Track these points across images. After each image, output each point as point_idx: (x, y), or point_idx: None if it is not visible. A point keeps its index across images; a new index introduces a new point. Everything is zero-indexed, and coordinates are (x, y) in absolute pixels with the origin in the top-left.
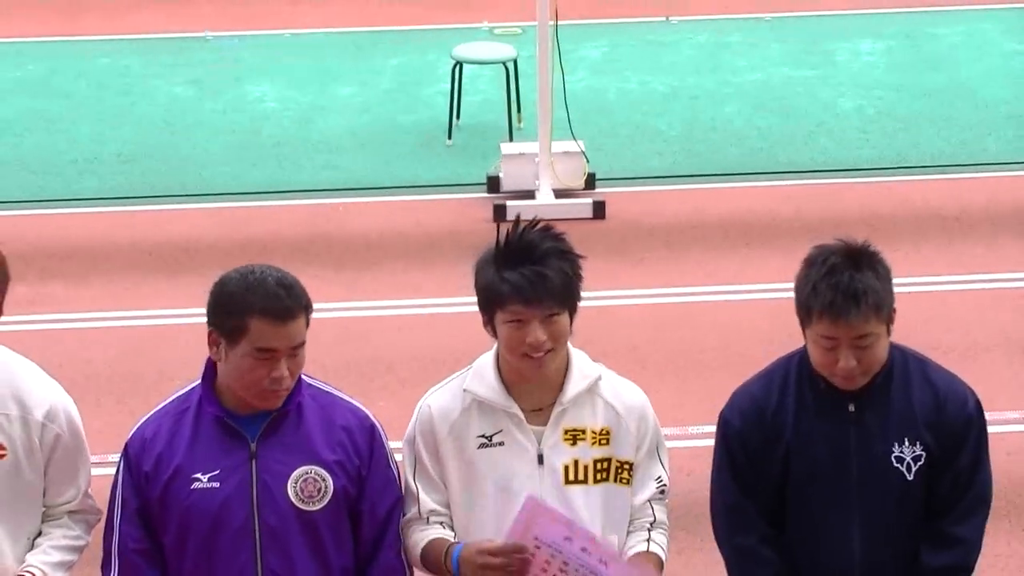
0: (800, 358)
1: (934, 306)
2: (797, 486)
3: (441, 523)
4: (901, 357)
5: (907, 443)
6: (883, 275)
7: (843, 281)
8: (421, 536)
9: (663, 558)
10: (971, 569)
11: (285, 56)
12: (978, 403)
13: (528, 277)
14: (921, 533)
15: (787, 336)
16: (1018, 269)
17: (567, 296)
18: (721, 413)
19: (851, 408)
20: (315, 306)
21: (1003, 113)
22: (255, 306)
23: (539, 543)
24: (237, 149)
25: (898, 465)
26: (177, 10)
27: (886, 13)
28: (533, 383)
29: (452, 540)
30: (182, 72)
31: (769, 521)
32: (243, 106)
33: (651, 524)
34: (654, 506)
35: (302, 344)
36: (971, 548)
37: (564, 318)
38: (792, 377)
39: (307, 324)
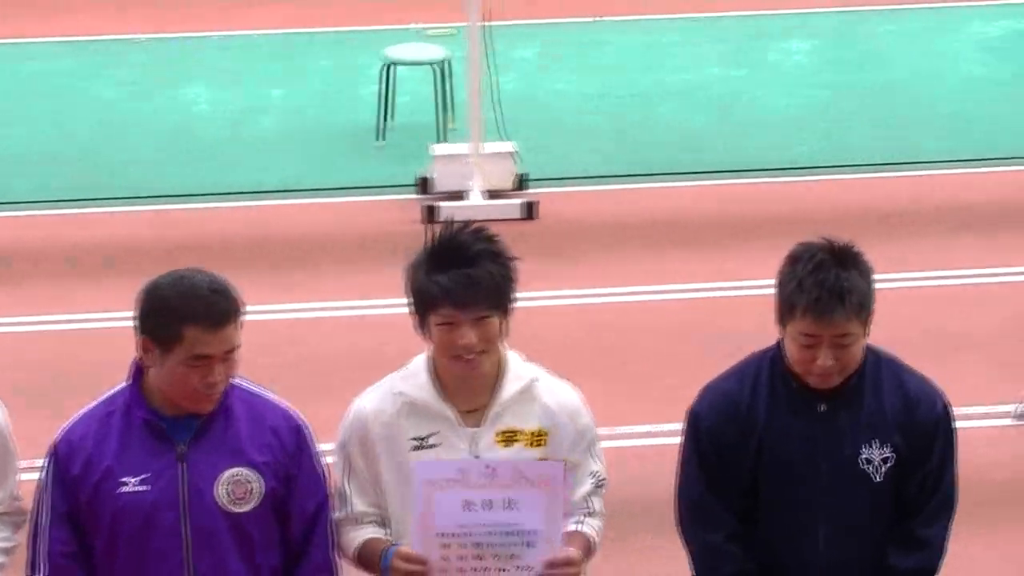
0: (773, 355)
1: None
2: (765, 485)
3: (374, 522)
4: (874, 358)
5: (876, 445)
6: (867, 275)
7: (829, 279)
8: (355, 536)
9: (594, 540)
10: (936, 570)
11: (217, 58)
12: (947, 406)
13: (459, 280)
14: (888, 535)
15: (721, 334)
16: (945, 266)
17: (499, 299)
18: (691, 408)
19: (822, 408)
20: (249, 308)
21: (935, 111)
22: (189, 314)
23: (445, 539)
24: (170, 151)
25: (866, 467)
26: (110, 13)
27: (817, 12)
28: (466, 385)
29: (387, 539)
30: (115, 75)
31: (738, 518)
32: (176, 108)
33: (586, 513)
34: (591, 499)
35: (235, 348)
36: (937, 550)
37: (496, 320)
38: (764, 374)
39: (240, 328)
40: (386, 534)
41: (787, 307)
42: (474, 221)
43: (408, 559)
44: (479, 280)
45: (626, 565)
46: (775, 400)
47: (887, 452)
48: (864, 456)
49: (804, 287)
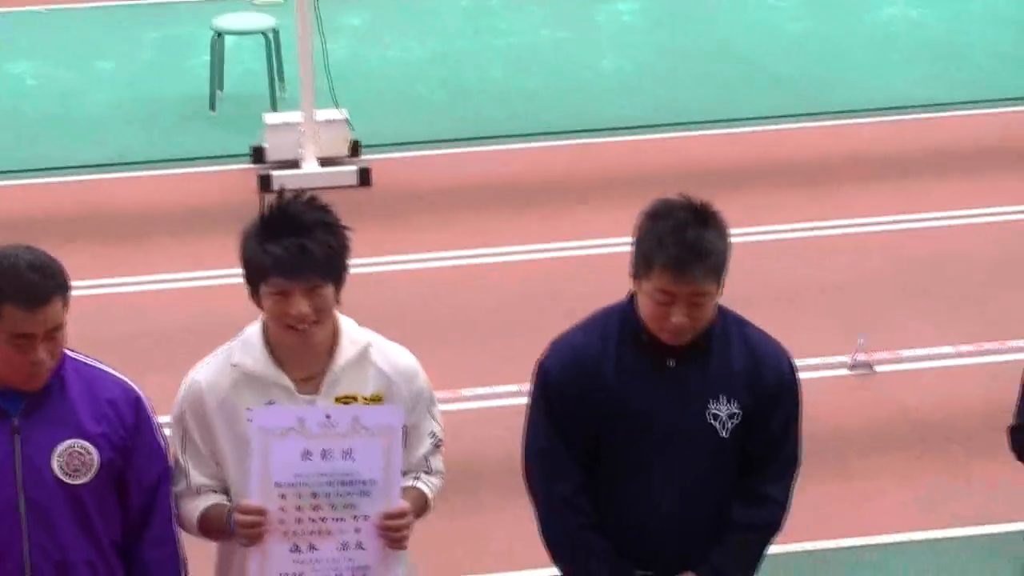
0: (622, 311)
1: None
2: (612, 438)
3: (213, 491)
4: (722, 317)
5: (724, 401)
6: (725, 236)
7: (690, 238)
8: (195, 505)
9: (428, 494)
10: (779, 527)
11: (43, 33)
12: (792, 365)
13: (291, 250)
14: (733, 491)
15: (557, 294)
16: (775, 221)
17: (331, 268)
18: (540, 362)
19: (671, 363)
20: (83, 283)
21: (762, 69)
22: (8, 293)
23: (282, 489)
24: None
25: (713, 422)
26: None
27: None
28: (301, 353)
29: (228, 504)
30: None
31: (584, 474)
32: (2, 84)
33: (424, 471)
34: (429, 459)
35: (60, 327)
36: (780, 507)
37: (328, 290)
38: (614, 328)
39: (65, 305)
40: (226, 502)
41: (644, 263)
42: (307, 190)
43: (247, 511)
44: (312, 250)
45: (473, 526)
46: (623, 355)
47: (734, 408)
48: (711, 411)
49: (664, 245)
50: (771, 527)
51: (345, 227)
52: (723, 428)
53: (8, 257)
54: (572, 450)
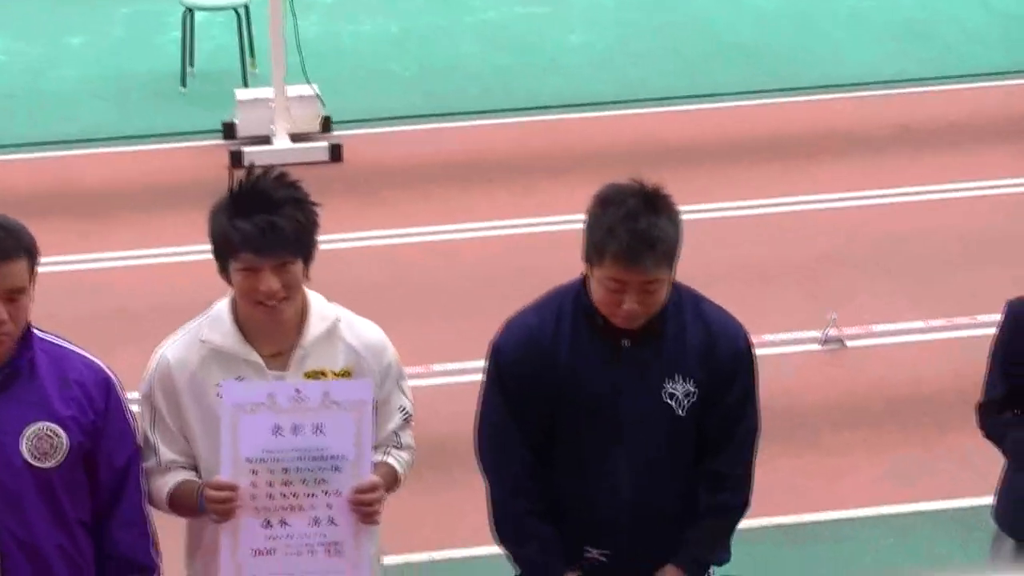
0: (576, 292)
1: None
2: (568, 420)
3: (183, 467)
4: (675, 293)
5: (679, 379)
6: (676, 221)
7: (640, 228)
8: (164, 481)
9: (398, 469)
10: (747, 505)
11: (12, 8)
12: (748, 339)
13: (260, 226)
14: (695, 474)
15: (529, 269)
16: (745, 197)
17: (301, 244)
18: (494, 342)
19: (625, 343)
20: (53, 259)
21: (731, 44)
22: None
23: (253, 464)
24: None
25: (669, 401)
26: None
27: None
28: (270, 329)
29: (198, 481)
30: None
31: (536, 457)
32: None
33: (395, 446)
34: (399, 433)
35: (22, 289)
36: (745, 486)
37: (298, 266)
38: (568, 309)
39: (31, 272)
40: (195, 478)
41: (596, 251)
42: (276, 167)
43: (218, 487)
44: (281, 226)
45: (445, 502)
46: (578, 336)
47: (690, 387)
48: (668, 391)
49: (615, 234)
50: (739, 508)
51: (314, 203)
52: (680, 407)
53: None
54: (524, 431)
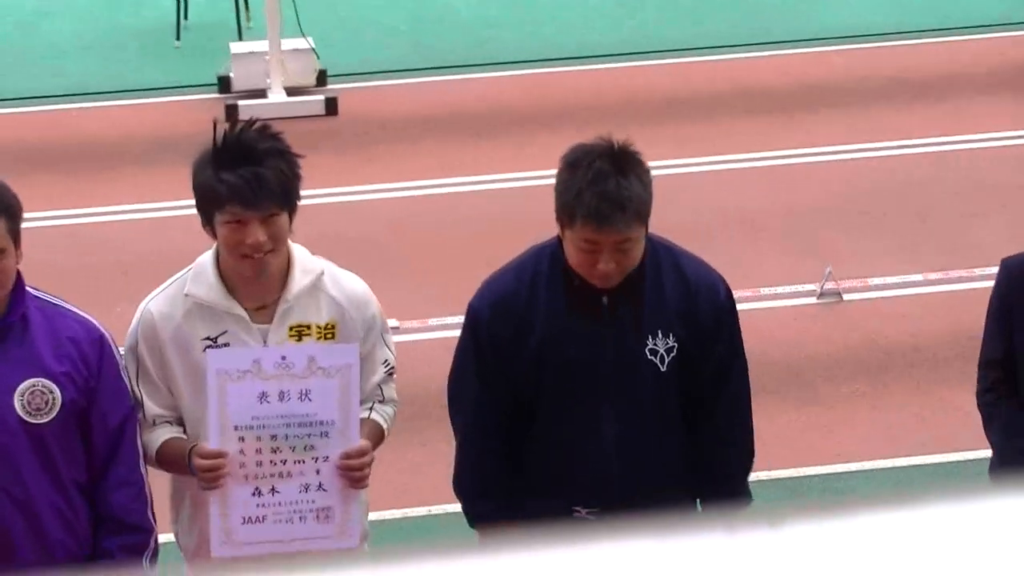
0: (552, 250)
1: (660, 189)
2: (550, 380)
3: (168, 422)
4: (652, 248)
5: (660, 335)
6: (645, 180)
7: (609, 189)
8: (151, 438)
9: (383, 425)
10: (753, 452)
11: None
12: (728, 290)
13: (246, 178)
14: (682, 427)
15: (522, 226)
16: (741, 150)
17: (286, 196)
18: (470, 303)
19: (604, 301)
20: (48, 213)
21: None
22: None
23: (240, 431)
24: None
25: (652, 358)
26: None
27: None
28: (254, 282)
29: (185, 439)
30: None
31: (510, 419)
32: None
33: (379, 401)
34: (383, 387)
35: (2, 250)
36: (748, 439)
37: (283, 218)
38: (544, 269)
39: (12, 234)
40: (182, 435)
41: (567, 214)
42: (258, 119)
43: (206, 455)
44: (267, 178)
45: (438, 455)
46: (554, 296)
47: (671, 342)
48: (649, 347)
49: (583, 197)
50: (749, 461)
51: (297, 154)
52: (662, 363)
53: None
54: (494, 393)
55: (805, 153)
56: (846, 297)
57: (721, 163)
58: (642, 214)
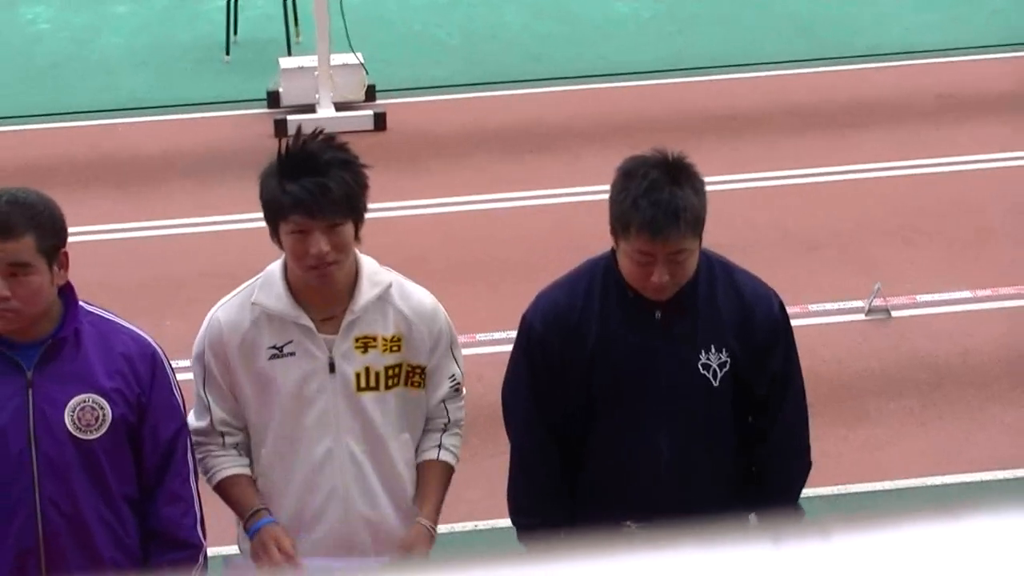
0: (606, 264)
1: (710, 205)
2: (603, 394)
3: (236, 446)
4: (707, 262)
5: (713, 350)
6: (700, 189)
7: (664, 198)
8: (218, 464)
9: (452, 463)
10: (810, 464)
11: None
12: (782, 305)
13: (309, 188)
14: (734, 442)
15: (572, 241)
16: (791, 166)
17: (351, 206)
18: (524, 315)
19: (657, 315)
20: (98, 228)
21: (776, 13)
22: None
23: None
24: (11, 72)
25: (704, 372)
26: None
27: None
28: (321, 292)
29: (254, 488)
30: None
31: (563, 431)
32: (16, 28)
33: (445, 425)
34: (448, 406)
35: (25, 265)
36: (806, 451)
37: (348, 228)
38: (598, 283)
39: (46, 248)
40: (247, 468)
41: (621, 225)
42: (323, 130)
43: (279, 545)
44: (330, 188)
45: (485, 469)
46: (608, 310)
47: (724, 357)
48: (703, 362)
49: (639, 206)
50: (807, 473)
51: (364, 164)
52: (715, 377)
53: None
54: (546, 406)
55: (854, 170)
56: (895, 314)
57: (771, 179)
58: (696, 225)
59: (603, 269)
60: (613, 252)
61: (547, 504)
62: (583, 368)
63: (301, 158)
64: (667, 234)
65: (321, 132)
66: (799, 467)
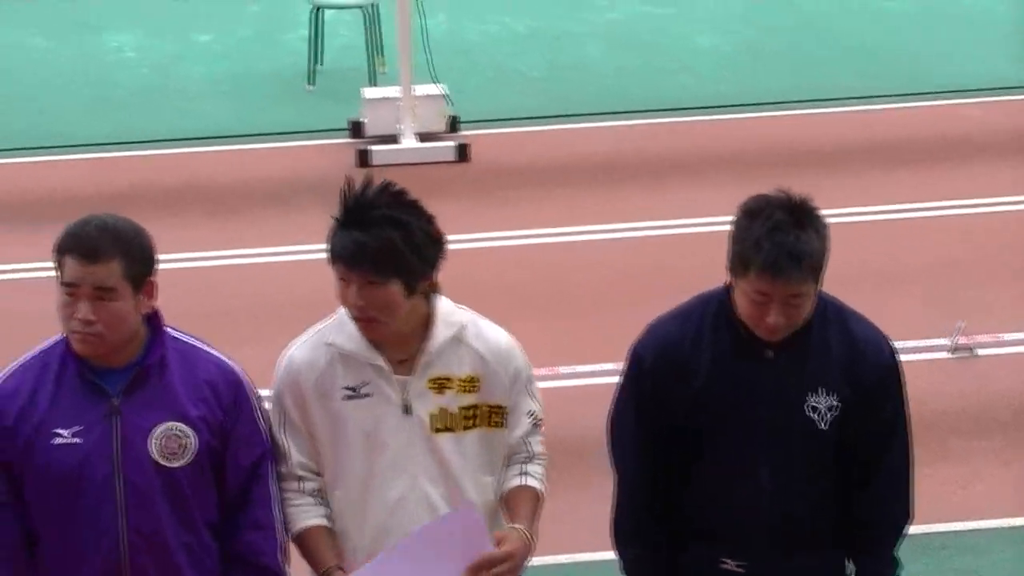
0: (720, 299)
1: None
2: (708, 431)
3: (314, 492)
4: (820, 305)
5: (823, 393)
6: (823, 234)
7: (788, 241)
8: (299, 513)
9: (539, 489)
10: (907, 521)
11: (143, 5)
12: (894, 352)
13: (347, 243)
14: (836, 486)
15: (653, 274)
16: (877, 202)
17: (391, 266)
18: (633, 347)
19: (769, 354)
20: (182, 255)
21: (853, 47)
22: (67, 244)
23: None
24: (95, 100)
25: (811, 414)
26: None
27: None
28: (394, 334)
29: (333, 544)
30: (36, 23)
31: (667, 466)
32: (100, 56)
33: (526, 458)
34: (529, 440)
35: (110, 290)
36: (905, 504)
37: (387, 289)
38: (710, 318)
39: (130, 276)
40: (327, 519)
41: (741, 263)
42: (391, 183)
43: None
44: (367, 246)
45: (566, 504)
46: (719, 345)
47: (833, 401)
48: (810, 404)
49: (761, 247)
50: (903, 522)
51: (424, 224)
52: (822, 420)
53: (86, 218)
54: (652, 438)
55: (938, 207)
56: (979, 352)
57: (853, 215)
58: (816, 269)
59: (717, 303)
60: (727, 288)
61: (651, 533)
62: (690, 401)
63: (354, 209)
64: (787, 277)
65: (391, 185)
66: (899, 516)
